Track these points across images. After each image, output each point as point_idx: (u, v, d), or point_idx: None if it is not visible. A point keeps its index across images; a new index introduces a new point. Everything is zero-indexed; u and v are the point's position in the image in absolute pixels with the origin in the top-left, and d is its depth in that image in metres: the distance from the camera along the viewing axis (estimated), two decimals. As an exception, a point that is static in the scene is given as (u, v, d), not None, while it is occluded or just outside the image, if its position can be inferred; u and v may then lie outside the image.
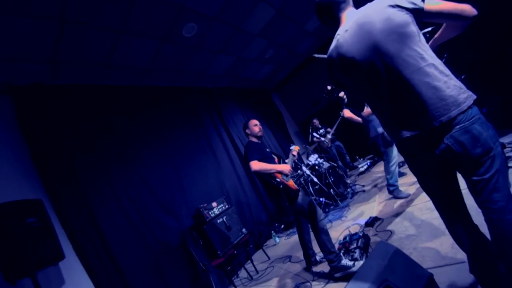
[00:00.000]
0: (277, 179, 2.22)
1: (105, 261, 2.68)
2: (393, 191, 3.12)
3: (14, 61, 2.68)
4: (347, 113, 3.83)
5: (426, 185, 1.28)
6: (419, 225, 2.37)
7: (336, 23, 1.31)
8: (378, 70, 1.12)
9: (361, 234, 2.50)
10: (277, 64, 6.38)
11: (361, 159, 6.61)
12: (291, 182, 2.27)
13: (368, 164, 5.50)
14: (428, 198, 1.33)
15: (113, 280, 2.64)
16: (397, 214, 2.76)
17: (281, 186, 2.18)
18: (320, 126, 6.16)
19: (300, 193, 2.28)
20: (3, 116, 2.77)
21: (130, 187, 3.23)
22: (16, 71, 2.80)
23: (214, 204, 3.49)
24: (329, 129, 5.92)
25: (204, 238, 3.15)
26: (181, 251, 3.25)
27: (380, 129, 3.04)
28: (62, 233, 2.59)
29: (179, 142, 4.25)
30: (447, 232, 1.32)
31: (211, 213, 3.36)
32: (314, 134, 4.84)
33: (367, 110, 2.98)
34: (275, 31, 4.84)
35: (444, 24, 1.19)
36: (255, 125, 2.56)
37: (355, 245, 2.37)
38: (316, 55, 2.03)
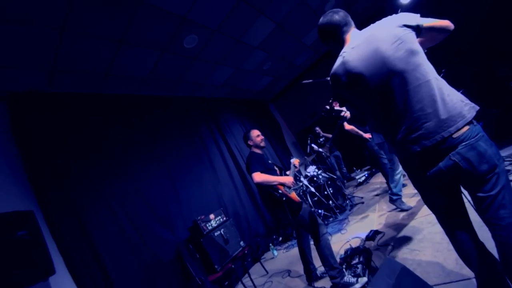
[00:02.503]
0: (279, 191, 2.18)
1: (97, 276, 2.56)
2: (396, 201, 3.07)
3: (11, 68, 2.64)
4: (347, 125, 3.99)
5: (430, 201, 1.29)
6: (421, 239, 2.34)
7: (340, 45, 1.35)
8: (386, 85, 1.16)
9: (362, 249, 2.45)
10: (275, 75, 6.46)
11: (359, 170, 6.62)
12: (293, 195, 2.24)
13: (366, 175, 5.51)
14: (430, 212, 1.32)
15: (105, 296, 2.52)
16: (398, 228, 2.73)
17: (284, 199, 2.14)
18: (321, 134, 6.22)
19: (303, 206, 2.24)
20: (-3, 123, 2.70)
21: (125, 198, 3.14)
22: (13, 78, 2.75)
23: (211, 216, 3.41)
24: (329, 135, 5.96)
25: (201, 251, 3.04)
26: (176, 264, 3.13)
27: None
28: (53, 247, 2.48)
29: (176, 152, 4.19)
30: (450, 246, 1.30)
31: (209, 225, 3.27)
32: (313, 145, 4.85)
33: None
34: (274, 44, 4.91)
35: (423, 38, 1.28)
36: (257, 136, 2.53)
37: (357, 260, 2.32)
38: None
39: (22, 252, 1.87)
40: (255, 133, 2.55)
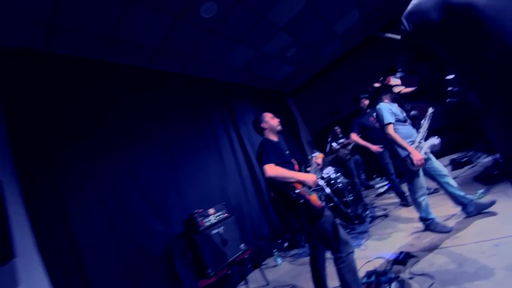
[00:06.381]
0: (296, 191, 1.70)
1: (70, 264, 2.19)
2: (430, 225, 2.55)
3: (5, 18, 2.29)
4: (353, 136, 4.16)
5: None
6: (473, 273, 1.79)
7: None
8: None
9: (393, 276, 1.94)
10: (298, 65, 5.93)
11: (379, 178, 5.98)
12: (314, 197, 1.75)
13: (389, 185, 4.89)
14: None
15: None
16: (437, 254, 2.18)
17: (301, 201, 1.66)
18: (341, 135, 5.62)
19: (325, 213, 1.74)
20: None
21: (116, 181, 2.75)
22: (5, 31, 2.41)
23: (211, 211, 2.95)
24: (350, 140, 5.38)
25: (194, 250, 2.61)
26: (165, 261, 2.73)
27: (404, 153, 2.51)
28: (25, 224, 2.13)
29: (182, 137, 3.78)
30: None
31: (206, 221, 2.82)
32: (333, 143, 4.30)
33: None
34: (301, 26, 4.39)
35: None
36: (272, 118, 2.09)
37: (386, 289, 1.81)
38: (388, 35, 1.57)
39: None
40: (268, 115, 2.11)
